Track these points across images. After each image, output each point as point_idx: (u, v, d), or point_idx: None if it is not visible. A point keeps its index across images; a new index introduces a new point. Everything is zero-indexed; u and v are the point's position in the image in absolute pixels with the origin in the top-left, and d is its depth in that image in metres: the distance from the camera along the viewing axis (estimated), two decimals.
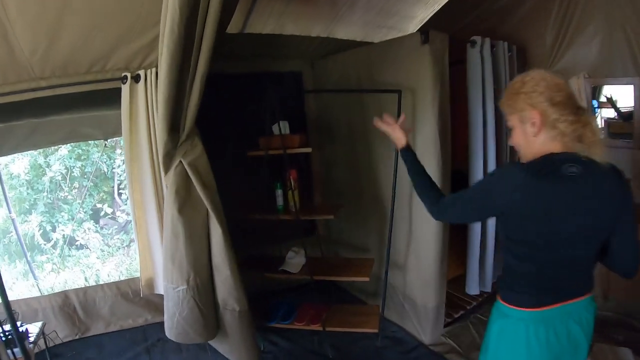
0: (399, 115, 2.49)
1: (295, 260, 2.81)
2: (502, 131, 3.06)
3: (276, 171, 2.73)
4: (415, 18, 3.50)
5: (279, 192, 2.78)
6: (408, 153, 1.62)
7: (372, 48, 2.94)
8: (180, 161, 1.99)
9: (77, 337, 3.12)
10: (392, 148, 2.68)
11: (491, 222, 3.07)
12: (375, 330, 2.73)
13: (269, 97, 2.46)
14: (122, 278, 3.94)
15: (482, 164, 3.02)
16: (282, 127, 2.61)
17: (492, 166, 3.10)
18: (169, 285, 2.14)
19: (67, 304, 3.11)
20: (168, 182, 2.04)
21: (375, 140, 2.98)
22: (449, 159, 2.69)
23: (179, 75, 1.70)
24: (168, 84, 1.70)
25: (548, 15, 3.24)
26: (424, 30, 2.49)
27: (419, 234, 2.79)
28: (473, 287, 3.15)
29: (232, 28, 3.01)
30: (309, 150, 2.60)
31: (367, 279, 2.63)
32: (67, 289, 3.25)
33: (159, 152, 1.98)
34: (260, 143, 2.73)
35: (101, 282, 3.97)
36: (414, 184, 1.59)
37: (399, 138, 1.65)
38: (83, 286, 3.51)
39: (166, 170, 2.04)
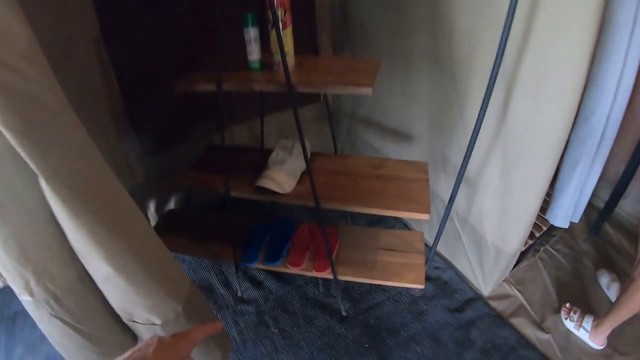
0: None
1: (285, 168, 1.41)
2: None
3: None
4: None
5: (252, 33, 1.21)
6: None
7: None
8: None
9: None
10: None
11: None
12: (418, 286, 1.50)
13: None
14: None
15: None
16: None
17: None
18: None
19: None
20: None
21: None
22: None
23: None
24: None
25: None
26: None
27: (520, 133, 1.35)
28: (561, 217, 1.79)
29: None
30: None
31: (426, 216, 1.28)
32: None
33: None
34: None
35: None
36: None
37: None
38: None
39: None
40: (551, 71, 1.18)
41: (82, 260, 0.80)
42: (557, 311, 1.70)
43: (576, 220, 1.85)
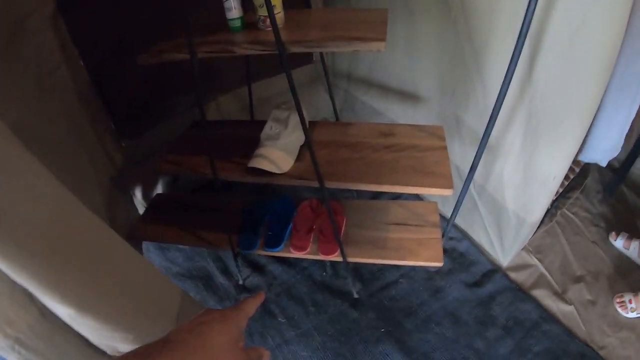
0: None
1: (281, 143, 1.21)
2: None
3: None
4: None
5: None
6: None
7: None
8: None
9: None
10: None
11: None
12: (436, 264, 1.35)
13: None
14: None
15: None
16: None
17: None
18: None
19: None
20: None
21: None
22: None
23: None
24: None
25: None
26: None
27: (548, 91, 1.14)
28: (610, 148, 1.45)
29: None
30: None
31: (449, 191, 1.09)
32: None
33: None
34: None
35: None
36: None
37: None
38: None
39: None
40: (588, 19, 0.97)
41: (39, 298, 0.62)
42: (578, 280, 1.56)
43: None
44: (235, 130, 1.42)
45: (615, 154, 1.50)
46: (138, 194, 1.72)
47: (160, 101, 1.64)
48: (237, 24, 1.03)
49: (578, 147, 1.21)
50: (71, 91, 1.27)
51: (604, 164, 1.53)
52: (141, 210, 1.70)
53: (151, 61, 1.04)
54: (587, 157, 1.52)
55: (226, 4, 1.01)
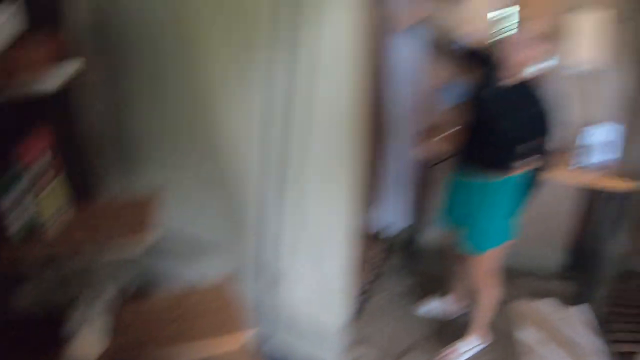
0: None
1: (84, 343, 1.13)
2: None
3: None
4: None
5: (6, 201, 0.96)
6: None
7: None
8: None
9: None
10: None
11: None
12: None
13: None
14: None
15: None
16: None
17: None
18: None
19: None
20: None
21: (214, 47, 1.39)
22: None
23: None
24: None
25: None
26: None
27: (318, 218, 1.48)
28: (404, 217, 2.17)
29: None
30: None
31: (249, 339, 1.16)
32: None
33: None
34: None
35: None
36: None
37: None
38: None
39: None
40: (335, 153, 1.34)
41: None
42: (409, 350, 1.82)
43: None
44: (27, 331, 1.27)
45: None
46: None
47: None
48: (21, 233, 0.99)
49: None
50: None
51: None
52: None
53: None
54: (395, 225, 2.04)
55: (10, 220, 0.96)
